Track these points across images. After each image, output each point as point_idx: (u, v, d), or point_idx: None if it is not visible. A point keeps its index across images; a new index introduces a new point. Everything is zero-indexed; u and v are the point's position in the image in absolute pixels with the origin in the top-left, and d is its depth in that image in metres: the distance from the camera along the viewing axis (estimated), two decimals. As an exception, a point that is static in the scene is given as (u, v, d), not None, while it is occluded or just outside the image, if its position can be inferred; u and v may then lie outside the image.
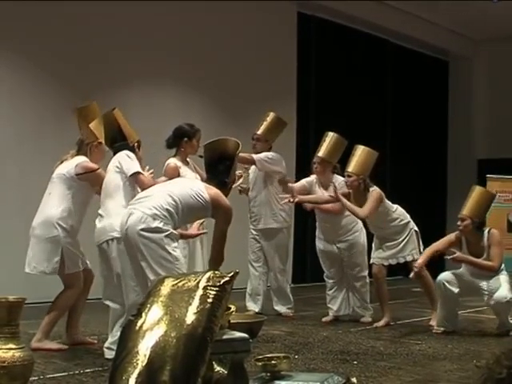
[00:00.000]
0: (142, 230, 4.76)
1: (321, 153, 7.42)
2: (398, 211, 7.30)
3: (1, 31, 8.60)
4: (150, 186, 5.29)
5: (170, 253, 4.76)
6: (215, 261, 4.99)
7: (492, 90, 14.98)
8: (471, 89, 15.19)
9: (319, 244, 7.67)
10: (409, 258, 7.26)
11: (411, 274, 6.75)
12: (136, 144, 5.71)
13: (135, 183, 5.47)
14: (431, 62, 14.95)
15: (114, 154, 5.62)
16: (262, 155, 7.66)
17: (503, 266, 6.88)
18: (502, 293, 6.61)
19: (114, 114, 5.67)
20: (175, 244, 4.86)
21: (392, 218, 7.23)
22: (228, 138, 5.37)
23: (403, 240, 7.23)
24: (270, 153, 7.75)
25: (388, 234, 7.26)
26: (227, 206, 4.95)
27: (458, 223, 6.83)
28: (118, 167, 5.49)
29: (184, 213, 4.90)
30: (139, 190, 5.39)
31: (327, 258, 7.63)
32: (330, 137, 7.51)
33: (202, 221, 5.59)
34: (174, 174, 6.49)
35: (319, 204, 7.49)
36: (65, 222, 5.75)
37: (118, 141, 5.62)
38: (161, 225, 4.77)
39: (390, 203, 7.28)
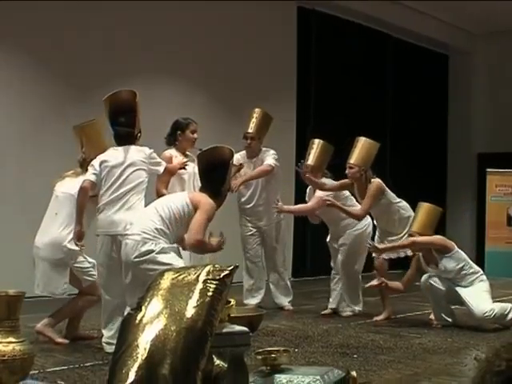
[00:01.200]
0: (135, 257, 4.96)
1: (310, 161, 7.46)
2: (402, 204, 7.31)
3: (1, 27, 8.58)
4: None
5: (167, 263, 4.80)
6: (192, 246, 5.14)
7: (492, 84, 14.96)
8: (471, 83, 15.17)
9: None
10: (409, 252, 7.27)
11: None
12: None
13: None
14: (431, 56, 14.92)
15: (120, 136, 5.58)
16: (272, 159, 7.70)
17: (481, 272, 6.88)
18: (480, 307, 6.60)
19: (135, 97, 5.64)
20: (171, 255, 4.97)
21: (395, 210, 7.22)
22: (222, 146, 5.39)
23: (405, 234, 7.23)
24: (270, 151, 7.79)
25: (390, 225, 7.25)
26: (207, 201, 5.05)
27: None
28: (144, 162, 5.52)
29: (175, 228, 5.07)
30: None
31: (332, 251, 7.69)
32: (317, 144, 7.58)
33: None
34: (168, 163, 6.55)
35: (303, 213, 7.68)
36: (73, 244, 5.72)
37: (127, 125, 5.57)
38: (152, 247, 4.95)
39: (393, 195, 7.28)
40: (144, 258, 4.92)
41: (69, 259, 5.74)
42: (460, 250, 6.87)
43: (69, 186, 5.86)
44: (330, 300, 7.61)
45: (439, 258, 6.83)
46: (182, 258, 5.10)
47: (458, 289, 6.77)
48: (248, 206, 7.84)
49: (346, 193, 7.52)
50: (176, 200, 5.17)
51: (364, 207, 7.12)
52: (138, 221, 5.12)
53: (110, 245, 5.42)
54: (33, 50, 8.84)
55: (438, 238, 6.98)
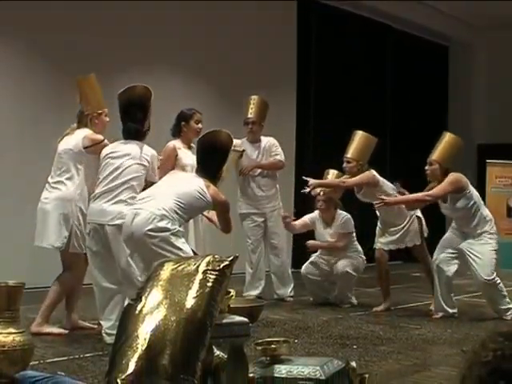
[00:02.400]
0: (150, 230, 4.93)
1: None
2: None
3: (0, 18, 8.56)
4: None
5: (179, 248, 4.91)
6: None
7: (492, 76, 14.94)
8: (471, 74, 15.15)
9: None
10: (409, 244, 7.27)
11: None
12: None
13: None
14: (431, 48, 14.90)
15: (128, 132, 5.60)
16: (282, 155, 7.91)
17: (492, 223, 6.83)
18: (484, 270, 6.57)
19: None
20: (182, 240, 5.04)
21: None
22: (222, 131, 5.41)
23: (405, 226, 7.23)
24: (273, 142, 7.93)
25: (390, 216, 7.24)
26: (223, 201, 5.25)
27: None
28: (146, 161, 5.55)
29: (188, 211, 5.13)
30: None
31: None
32: (331, 174, 7.63)
33: None
34: (172, 154, 6.58)
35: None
36: (78, 201, 5.75)
37: (136, 121, 5.61)
38: (168, 225, 4.95)
39: (391, 186, 7.26)
40: (158, 233, 4.92)
41: (74, 217, 5.75)
42: (474, 190, 6.80)
43: (67, 143, 5.91)
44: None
45: (451, 196, 6.75)
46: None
47: (467, 247, 6.70)
48: (250, 191, 7.91)
49: None
50: (198, 188, 5.15)
51: (348, 182, 7.18)
52: (156, 196, 5.10)
53: (99, 234, 5.43)
54: (30, 38, 8.81)
55: (455, 180, 6.74)
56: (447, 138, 7.10)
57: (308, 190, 7.36)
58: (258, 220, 7.93)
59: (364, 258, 7.59)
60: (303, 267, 7.69)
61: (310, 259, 7.75)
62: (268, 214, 7.91)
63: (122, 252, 5.25)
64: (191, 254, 4.99)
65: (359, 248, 7.59)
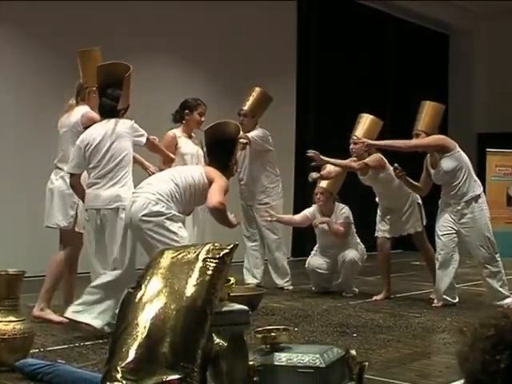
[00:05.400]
0: (144, 215, 4.90)
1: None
2: None
3: (2, 6, 8.54)
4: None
5: (174, 232, 4.87)
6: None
7: (492, 64, 14.90)
8: (471, 63, 15.12)
9: None
10: (411, 231, 7.28)
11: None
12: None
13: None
14: (432, 36, 14.87)
15: (104, 108, 5.52)
16: (254, 134, 7.68)
17: (480, 188, 6.86)
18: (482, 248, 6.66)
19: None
20: (179, 224, 4.98)
21: (396, 186, 7.20)
22: (228, 121, 5.42)
23: (405, 212, 7.24)
24: (259, 131, 7.77)
25: (392, 202, 7.24)
26: (222, 176, 5.07)
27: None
28: (128, 134, 5.43)
29: (187, 198, 5.05)
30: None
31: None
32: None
33: None
34: (172, 143, 6.57)
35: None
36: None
37: (112, 98, 5.51)
38: (163, 209, 4.90)
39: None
40: (152, 218, 4.88)
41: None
42: (463, 153, 6.82)
43: (67, 123, 5.90)
44: None
45: (439, 158, 6.77)
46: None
47: (464, 233, 6.73)
48: (242, 183, 7.92)
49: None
50: (192, 171, 5.16)
51: (360, 164, 7.12)
52: (152, 182, 5.10)
53: (95, 219, 5.36)
54: (33, 28, 8.80)
55: (437, 137, 6.87)
56: (427, 106, 7.10)
57: (311, 153, 7.30)
58: (247, 209, 7.96)
59: (364, 248, 7.59)
60: (308, 261, 7.66)
61: (313, 252, 7.74)
62: (254, 206, 7.89)
63: (114, 239, 5.22)
64: (187, 238, 4.96)
65: (359, 240, 7.59)
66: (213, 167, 5.17)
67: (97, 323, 5.10)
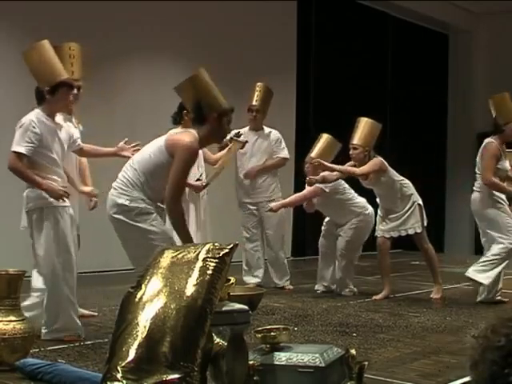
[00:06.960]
0: (114, 213, 4.65)
1: (314, 153, 7.46)
2: (404, 182, 7.33)
3: (1, 6, 8.54)
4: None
5: (148, 230, 4.59)
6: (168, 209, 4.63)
7: (492, 64, 14.90)
8: (471, 62, 15.11)
9: None
10: (411, 231, 7.28)
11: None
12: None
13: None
14: (431, 36, 14.87)
15: (35, 94, 5.34)
16: (286, 150, 7.97)
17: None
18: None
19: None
20: (151, 217, 4.61)
21: (397, 188, 7.22)
22: (194, 75, 5.27)
23: (406, 212, 7.25)
24: (277, 137, 7.95)
25: (393, 203, 7.26)
26: (186, 144, 4.53)
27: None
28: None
29: (151, 179, 4.61)
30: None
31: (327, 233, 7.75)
32: (324, 138, 7.63)
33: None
34: None
35: (299, 202, 7.79)
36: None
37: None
38: (127, 202, 4.59)
39: (395, 173, 7.30)
40: (121, 216, 4.60)
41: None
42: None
43: None
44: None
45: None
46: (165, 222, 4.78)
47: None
48: (246, 182, 7.89)
49: (345, 184, 7.52)
50: (152, 148, 4.69)
51: (366, 168, 7.13)
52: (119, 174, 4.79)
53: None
54: (32, 28, 8.77)
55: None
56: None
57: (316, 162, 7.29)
58: (251, 208, 7.92)
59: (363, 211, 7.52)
60: (320, 241, 7.73)
61: (322, 233, 7.75)
62: (261, 204, 7.88)
63: (37, 239, 5.14)
64: (163, 230, 4.65)
65: (357, 200, 7.51)
66: (195, 125, 4.74)
67: None
